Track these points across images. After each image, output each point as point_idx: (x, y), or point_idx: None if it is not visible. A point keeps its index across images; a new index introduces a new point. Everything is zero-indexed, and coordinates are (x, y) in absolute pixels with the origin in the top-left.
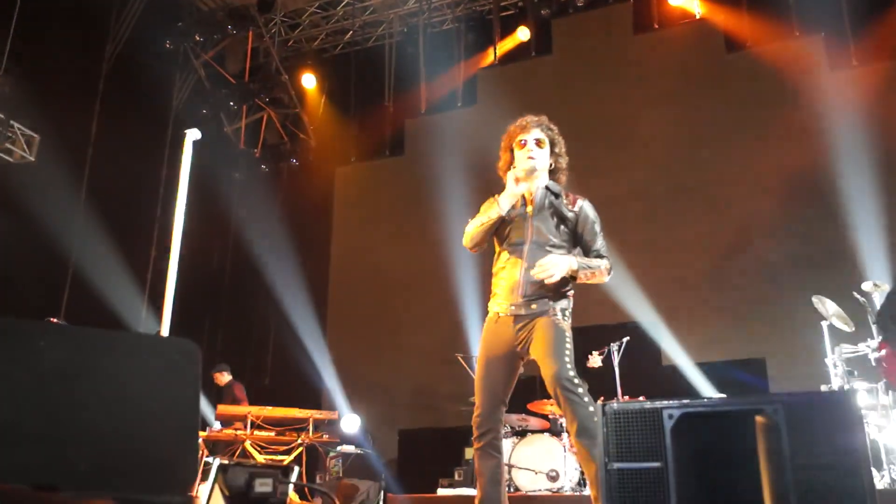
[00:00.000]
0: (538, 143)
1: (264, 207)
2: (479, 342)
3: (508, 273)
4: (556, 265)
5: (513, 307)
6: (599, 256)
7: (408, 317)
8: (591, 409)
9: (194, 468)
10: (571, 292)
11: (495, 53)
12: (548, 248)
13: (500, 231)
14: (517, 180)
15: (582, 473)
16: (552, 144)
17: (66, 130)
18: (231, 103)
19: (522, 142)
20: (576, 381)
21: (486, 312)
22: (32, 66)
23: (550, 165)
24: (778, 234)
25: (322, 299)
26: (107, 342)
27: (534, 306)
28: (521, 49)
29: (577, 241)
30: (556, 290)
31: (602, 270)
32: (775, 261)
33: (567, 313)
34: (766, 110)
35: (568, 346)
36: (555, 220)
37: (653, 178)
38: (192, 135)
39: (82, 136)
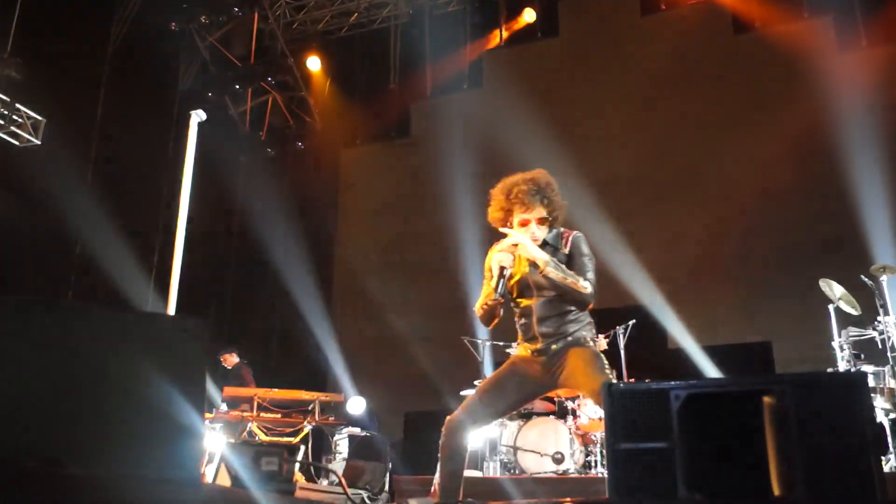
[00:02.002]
0: (540, 221)
1: (270, 190)
2: (513, 357)
3: (524, 326)
4: (523, 242)
5: (535, 352)
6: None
7: (414, 299)
8: None
9: (200, 445)
10: (588, 320)
11: (501, 35)
12: (552, 297)
13: (511, 286)
14: (501, 267)
15: (587, 455)
16: (552, 211)
17: (71, 113)
18: (236, 86)
19: (525, 221)
20: None
21: None
22: (38, 49)
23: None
24: (786, 216)
25: (328, 282)
26: (113, 321)
27: (554, 347)
28: (528, 31)
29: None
30: (572, 328)
31: (578, 285)
32: (783, 244)
33: (594, 342)
34: (774, 92)
35: (606, 364)
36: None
37: (659, 161)
38: (198, 115)
39: (88, 118)
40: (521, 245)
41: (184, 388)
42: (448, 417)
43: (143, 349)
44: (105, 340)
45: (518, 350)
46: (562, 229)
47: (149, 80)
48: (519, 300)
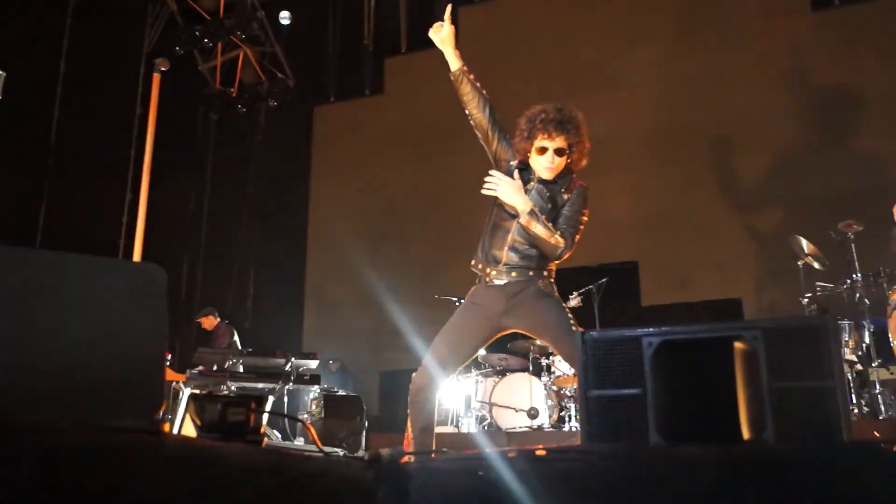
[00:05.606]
0: (558, 152)
1: (241, 148)
2: (467, 297)
3: (494, 240)
4: (506, 184)
5: (495, 274)
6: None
7: (388, 257)
8: None
9: (160, 393)
10: (551, 266)
11: None
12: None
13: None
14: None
15: (560, 410)
16: (573, 145)
17: (33, 67)
18: (205, 40)
19: (543, 149)
20: None
21: (466, 253)
22: None
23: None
24: (756, 174)
25: (302, 240)
26: (64, 265)
27: (514, 274)
28: None
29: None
30: (537, 264)
31: (553, 238)
32: (753, 201)
33: (553, 286)
34: (746, 50)
35: (571, 318)
36: (549, 204)
37: (633, 120)
38: (161, 65)
39: (51, 73)
40: (501, 193)
41: (142, 334)
42: (418, 375)
43: (97, 293)
44: (55, 284)
45: (474, 266)
46: (573, 177)
47: (114, 34)
48: (499, 216)
